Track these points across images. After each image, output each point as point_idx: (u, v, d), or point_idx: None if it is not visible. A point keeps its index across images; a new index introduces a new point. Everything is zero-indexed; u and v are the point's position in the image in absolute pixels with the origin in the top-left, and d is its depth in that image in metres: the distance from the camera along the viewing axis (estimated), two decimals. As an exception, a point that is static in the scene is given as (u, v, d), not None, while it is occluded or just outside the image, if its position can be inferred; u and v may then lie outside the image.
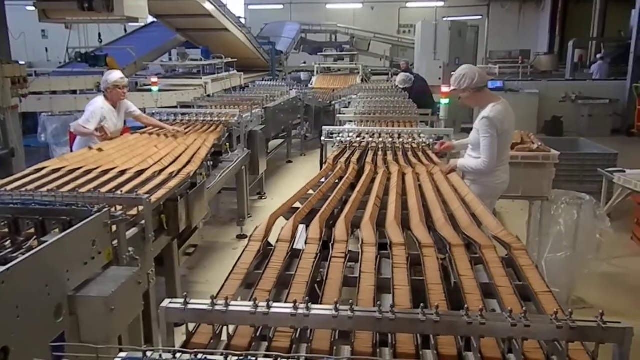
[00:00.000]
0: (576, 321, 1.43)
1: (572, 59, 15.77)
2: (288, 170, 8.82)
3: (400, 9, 22.45)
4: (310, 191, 3.09)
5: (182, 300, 1.52)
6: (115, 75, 4.91)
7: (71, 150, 5.03)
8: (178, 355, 1.27)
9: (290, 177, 8.29)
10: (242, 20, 13.56)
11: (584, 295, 3.83)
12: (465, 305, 1.53)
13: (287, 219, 2.65)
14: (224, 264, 4.81)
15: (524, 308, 1.55)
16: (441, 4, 13.20)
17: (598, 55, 16.02)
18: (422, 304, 1.52)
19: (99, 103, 4.83)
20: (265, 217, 2.57)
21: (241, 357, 1.24)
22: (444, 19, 13.96)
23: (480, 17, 17.87)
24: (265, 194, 7.07)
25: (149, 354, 1.25)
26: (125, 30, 12.66)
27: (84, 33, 12.31)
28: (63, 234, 1.99)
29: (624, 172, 4.80)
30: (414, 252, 2.26)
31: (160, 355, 1.25)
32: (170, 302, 1.54)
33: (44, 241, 2.00)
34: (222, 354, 1.26)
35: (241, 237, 5.48)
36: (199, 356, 1.24)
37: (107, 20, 6.46)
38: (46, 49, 19.82)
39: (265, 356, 1.33)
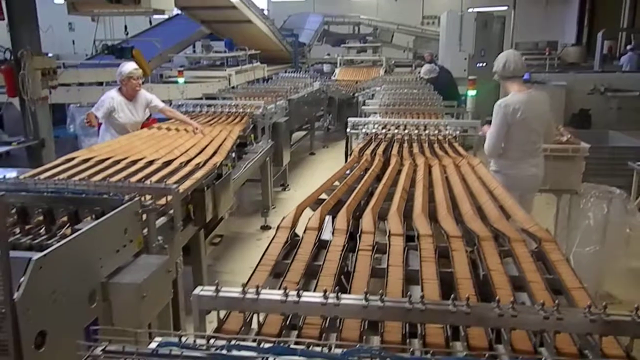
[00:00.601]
0: (610, 315, 1.42)
1: (601, 50, 15.36)
2: (311, 162, 8.83)
3: (424, 0, 22.19)
4: (336, 182, 3.10)
5: (213, 288, 1.54)
6: (129, 66, 4.85)
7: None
8: (212, 341, 1.29)
9: (313, 169, 8.30)
10: (265, 12, 13.58)
11: (613, 290, 3.76)
12: (497, 297, 1.52)
13: (314, 210, 2.66)
14: (249, 255, 4.85)
15: (556, 301, 1.54)
16: (466, -6, 13.02)
17: (628, 47, 15.59)
18: (452, 295, 1.52)
19: (110, 93, 4.82)
20: (288, 209, 2.59)
21: (273, 343, 1.25)
22: (469, 10, 13.78)
23: (506, 7, 17.58)
24: (288, 185, 7.10)
25: (183, 339, 1.27)
26: (150, 23, 12.80)
27: (110, 25, 12.47)
28: (97, 221, 2.04)
29: (656, 165, 4.70)
30: (441, 244, 2.26)
31: (195, 341, 1.27)
32: (202, 290, 1.56)
33: (77, 229, 2.05)
34: (254, 340, 1.28)
35: (265, 228, 5.52)
36: (232, 342, 1.25)
37: (133, 13, 6.52)
38: (73, 42, 20.13)
39: (297, 343, 1.34)
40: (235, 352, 1.08)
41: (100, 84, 8.64)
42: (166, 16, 12.05)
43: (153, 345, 1.17)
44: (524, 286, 1.90)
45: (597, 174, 4.88)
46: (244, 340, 1.34)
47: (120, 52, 8.73)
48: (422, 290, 1.81)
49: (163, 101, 5.32)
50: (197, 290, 1.56)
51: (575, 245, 3.71)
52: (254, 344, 1.27)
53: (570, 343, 1.49)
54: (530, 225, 2.38)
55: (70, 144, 8.32)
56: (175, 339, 1.21)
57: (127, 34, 10.47)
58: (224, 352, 1.07)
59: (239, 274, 4.26)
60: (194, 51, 12.72)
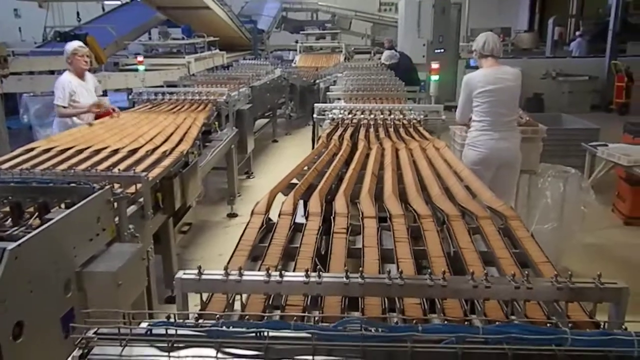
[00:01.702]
0: (576, 282, 1.51)
1: (552, 36, 15.89)
2: (274, 149, 8.82)
3: (380, -13, 22.28)
4: (306, 168, 3.13)
5: (196, 271, 1.56)
6: (73, 43, 4.90)
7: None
8: (200, 321, 1.31)
9: (277, 156, 8.30)
10: (222, -2, 13.36)
11: (571, 265, 3.94)
12: (471, 271, 1.59)
13: (286, 195, 2.69)
14: (217, 242, 4.84)
15: (526, 272, 1.62)
16: (423, -19, 13.12)
17: (577, 33, 16.19)
18: (429, 270, 1.58)
19: (64, 77, 4.79)
20: (254, 196, 2.61)
21: (259, 320, 1.27)
22: (426, -4, 13.94)
23: (461, -6, 17.85)
24: (252, 173, 7.09)
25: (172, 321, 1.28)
26: (103, 9, 12.40)
27: (59, 12, 12.00)
28: (70, 210, 2.01)
29: (607, 145, 4.93)
30: (412, 224, 2.33)
31: (184, 320, 1.28)
32: (185, 273, 1.57)
33: (49, 218, 2.01)
34: (241, 318, 1.31)
35: (232, 215, 5.51)
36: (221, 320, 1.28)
37: (88, -2, 6.32)
38: (19, 29, 19.26)
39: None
40: (232, 328, 1.11)
41: (52, 72, 8.33)
42: (119, 2, 11.72)
43: (144, 325, 1.18)
44: (494, 261, 1.99)
45: (553, 154, 5.10)
46: (229, 318, 1.36)
47: (73, 38, 8.42)
48: (398, 268, 1.87)
49: (120, 90, 5.25)
50: (180, 274, 1.57)
51: (534, 222, 3.88)
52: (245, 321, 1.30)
53: (539, 310, 1.58)
54: (497, 204, 2.48)
55: (24, 135, 8.04)
56: (165, 320, 1.22)
57: (80, 20, 10.10)
58: (223, 328, 1.09)
59: (208, 261, 4.24)
60: (150, 38, 12.43)
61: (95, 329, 1.13)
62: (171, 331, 1.12)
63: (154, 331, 1.13)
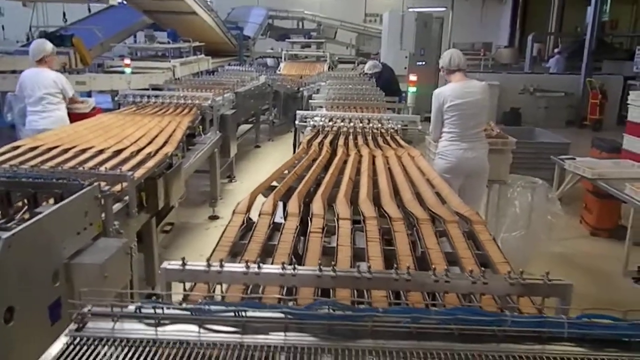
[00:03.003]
0: (526, 279, 1.68)
1: (531, 52, 16.34)
2: (256, 154, 8.95)
3: (366, -2, 22.67)
4: (286, 171, 3.27)
5: (180, 262, 1.69)
6: (49, 43, 5.31)
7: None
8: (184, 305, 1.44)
9: (259, 161, 8.42)
10: (209, 3, 13.48)
11: (536, 272, 4.13)
12: (432, 266, 1.75)
13: (266, 197, 2.82)
14: (198, 244, 4.95)
15: (482, 269, 1.78)
16: (407, -6, 13.48)
17: (555, 50, 16.65)
18: (395, 265, 1.73)
19: (55, 73, 5.25)
20: (235, 200, 2.72)
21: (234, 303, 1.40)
22: (410, 9, 14.25)
23: (444, 8, 18.24)
24: (235, 177, 7.20)
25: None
26: (89, 11, 12.40)
27: (44, 12, 11.99)
28: (61, 204, 2.12)
29: (575, 159, 5.16)
30: (384, 226, 2.48)
31: (163, 308, 1.39)
32: (169, 264, 1.70)
33: (38, 212, 2.12)
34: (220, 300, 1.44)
35: (213, 218, 5.61)
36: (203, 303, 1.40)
37: (76, 0, 6.41)
38: (2, 27, 19.10)
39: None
40: (214, 307, 1.24)
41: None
42: (105, 5, 11.74)
43: (132, 306, 1.30)
44: (457, 261, 2.15)
45: (524, 166, 5.32)
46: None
47: (59, 39, 8.47)
48: (368, 265, 2.01)
49: (105, 91, 5.52)
50: (165, 264, 1.70)
51: (503, 230, 4.07)
52: (222, 306, 1.43)
53: (493, 304, 1.73)
54: (463, 210, 2.65)
55: (6, 133, 8.02)
56: (153, 303, 1.35)
57: (66, 21, 10.12)
58: (205, 307, 1.22)
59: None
60: (135, 41, 12.46)
61: (89, 307, 1.25)
62: (159, 310, 1.24)
63: (143, 310, 1.25)
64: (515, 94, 12.18)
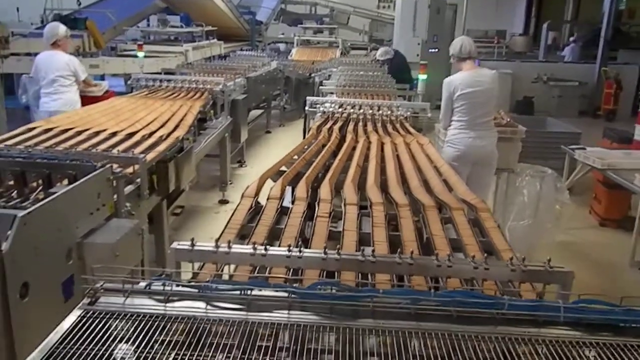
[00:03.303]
0: (528, 265, 1.71)
1: (546, 41, 16.12)
2: (267, 140, 8.98)
3: (380, -17, 22.40)
4: (295, 156, 3.30)
5: (189, 242, 1.74)
6: (62, 26, 5.42)
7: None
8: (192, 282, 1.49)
9: (269, 147, 8.46)
10: (222, -12, 13.45)
11: (542, 260, 4.16)
12: (436, 251, 1.78)
13: (275, 181, 2.87)
14: (208, 227, 5.01)
15: (484, 255, 1.81)
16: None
17: (571, 39, 16.43)
18: (398, 249, 1.77)
19: (68, 56, 5.35)
20: (245, 184, 2.77)
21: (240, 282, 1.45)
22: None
23: (459, -6, 18.03)
24: (245, 162, 7.25)
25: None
26: (103, -6, 12.43)
27: (58, -7, 12.02)
28: (74, 184, 2.17)
29: (585, 149, 5.14)
30: (391, 212, 2.51)
31: (172, 285, 1.44)
32: (179, 244, 1.75)
33: (51, 192, 2.17)
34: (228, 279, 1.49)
35: (223, 202, 5.68)
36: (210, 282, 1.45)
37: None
38: (17, 9, 19.19)
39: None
40: (222, 285, 1.29)
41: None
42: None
43: (143, 283, 1.36)
44: (461, 247, 2.18)
45: (534, 156, 5.32)
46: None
47: (73, 22, 8.52)
48: (373, 249, 2.05)
49: (118, 75, 5.58)
50: (175, 244, 1.75)
51: (511, 218, 4.08)
52: (228, 286, 1.47)
53: (495, 289, 1.77)
54: (469, 197, 2.67)
55: (20, 114, 8.12)
56: (162, 280, 1.40)
57: (80, 4, 10.17)
58: (212, 285, 1.27)
59: (198, 244, 4.40)
60: (148, 25, 12.48)
61: (102, 283, 1.30)
62: (167, 287, 1.29)
63: (153, 287, 1.31)
64: (529, 83, 12.07)
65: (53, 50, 5.27)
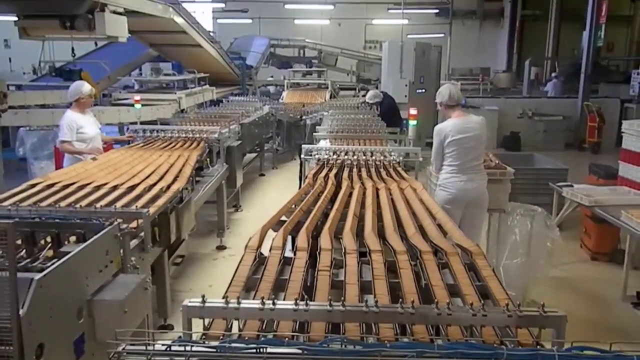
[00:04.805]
0: (523, 311, 1.80)
1: (529, 76, 16.62)
2: (261, 183, 9.10)
3: (366, 26, 23.08)
4: (294, 205, 3.41)
5: (200, 299, 1.82)
6: (87, 85, 5.41)
7: (58, 167, 5.38)
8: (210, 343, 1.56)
9: (264, 189, 8.57)
10: (212, 34, 13.79)
11: (537, 297, 4.25)
12: (435, 300, 1.87)
13: (275, 231, 2.96)
14: (206, 274, 5.06)
15: (482, 302, 1.90)
16: (406, 21, 13.73)
17: (553, 74, 16.92)
18: (400, 299, 1.86)
19: (69, 116, 5.25)
20: (242, 229, 2.87)
21: (255, 341, 1.53)
22: (409, 35, 14.54)
23: (442, 34, 18.61)
24: (241, 206, 7.33)
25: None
26: (96, 44, 12.70)
27: (50, 44, 12.25)
28: (85, 244, 2.25)
29: (572, 186, 5.30)
30: (389, 258, 2.61)
31: (192, 346, 1.51)
32: (190, 301, 1.83)
33: (63, 252, 2.25)
34: (239, 336, 1.56)
35: (221, 248, 5.73)
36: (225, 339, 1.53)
37: (87, 38, 6.64)
38: (9, 59, 19.49)
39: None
40: (239, 345, 1.37)
41: (42, 106, 8.52)
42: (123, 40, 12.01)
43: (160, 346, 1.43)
44: (458, 292, 2.27)
45: (523, 193, 5.47)
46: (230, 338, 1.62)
47: (68, 74, 8.72)
48: (375, 299, 2.14)
49: (111, 124, 5.68)
50: (186, 302, 1.83)
51: (504, 257, 4.19)
52: (241, 344, 1.55)
53: (494, 334, 1.85)
54: (465, 242, 2.78)
55: (14, 166, 8.22)
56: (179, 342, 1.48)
57: (74, 55, 10.39)
58: (231, 344, 1.35)
59: (198, 292, 4.37)
60: (141, 73, 12.73)
61: (124, 345, 1.38)
62: (187, 348, 1.37)
63: (173, 348, 1.38)
64: (514, 118, 12.39)
65: (71, 108, 5.31)
